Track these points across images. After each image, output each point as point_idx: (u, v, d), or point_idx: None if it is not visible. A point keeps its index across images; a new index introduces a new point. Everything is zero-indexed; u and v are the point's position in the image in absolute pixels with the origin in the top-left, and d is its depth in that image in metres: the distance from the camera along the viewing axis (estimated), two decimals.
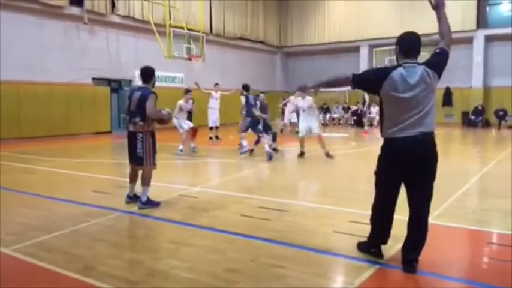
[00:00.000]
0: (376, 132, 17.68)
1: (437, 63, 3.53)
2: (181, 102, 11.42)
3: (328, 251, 3.90)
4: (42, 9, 15.88)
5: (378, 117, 23.22)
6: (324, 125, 23.69)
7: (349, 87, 3.77)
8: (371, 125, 22.58)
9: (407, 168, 3.40)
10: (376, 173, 3.67)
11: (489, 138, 17.03)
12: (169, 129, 11.19)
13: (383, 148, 3.55)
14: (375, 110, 23.50)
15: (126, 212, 5.32)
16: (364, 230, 4.34)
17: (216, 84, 15.31)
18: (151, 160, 5.47)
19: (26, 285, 3.28)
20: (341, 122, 24.34)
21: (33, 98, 15.71)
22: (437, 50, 3.63)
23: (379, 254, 3.71)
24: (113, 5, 18.33)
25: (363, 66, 25.38)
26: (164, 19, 18.29)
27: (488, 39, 22.19)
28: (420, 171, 3.42)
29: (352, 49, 25.70)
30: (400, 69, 3.38)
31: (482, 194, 6.57)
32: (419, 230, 3.48)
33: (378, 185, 3.68)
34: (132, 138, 5.43)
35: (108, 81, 19.10)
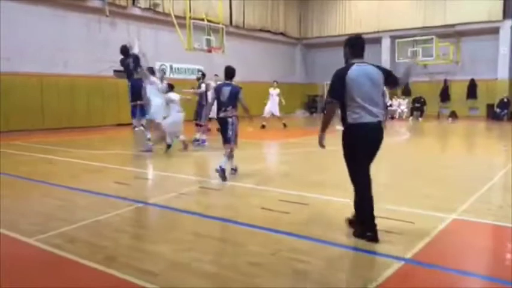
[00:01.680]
0: (397, 124, 17.41)
1: (389, 76, 4.20)
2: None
3: (350, 245, 3.83)
4: (65, 2, 16.07)
5: (400, 110, 22.94)
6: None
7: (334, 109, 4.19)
8: (392, 117, 22.24)
9: (370, 147, 4.05)
10: (348, 155, 4.16)
11: None
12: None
13: (347, 134, 4.09)
14: (396, 102, 23.16)
15: (147, 204, 5.35)
16: (386, 224, 4.27)
17: (216, 75, 15.12)
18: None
19: (50, 276, 3.33)
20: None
21: (56, 90, 15.97)
22: (393, 75, 4.29)
23: (375, 238, 3.85)
24: None
25: (385, 59, 24.96)
26: (184, 11, 18.30)
27: None
28: (376, 149, 4.09)
29: (373, 40, 25.21)
30: (354, 66, 4.00)
31: (508, 189, 6.38)
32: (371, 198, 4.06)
33: (352, 169, 4.19)
34: (222, 122, 6.83)
35: None
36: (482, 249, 3.90)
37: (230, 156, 6.93)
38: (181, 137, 9.91)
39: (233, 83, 6.91)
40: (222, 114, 6.80)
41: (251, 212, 4.98)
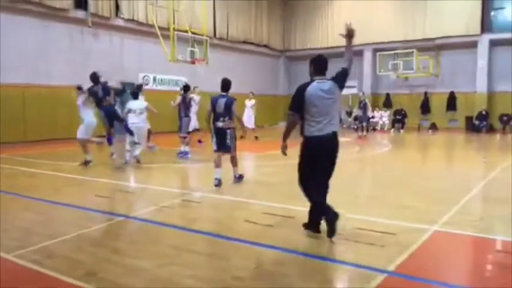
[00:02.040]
0: (379, 136, 17.63)
1: (340, 80, 4.45)
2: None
3: (334, 258, 3.84)
4: (47, 12, 15.92)
5: (382, 121, 23.21)
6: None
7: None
8: (374, 129, 22.52)
9: (324, 157, 4.37)
10: (303, 163, 4.52)
11: (494, 143, 16.93)
12: (166, 134, 11.17)
13: (305, 145, 4.44)
14: (378, 114, 23.48)
15: (128, 217, 5.27)
16: (372, 237, 4.29)
17: (196, 87, 15.12)
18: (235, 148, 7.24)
19: None
20: (344, 126, 24.23)
21: (38, 101, 15.72)
22: (340, 69, 4.51)
23: (318, 230, 4.43)
24: (117, 8, 18.37)
25: (367, 71, 25.38)
26: (168, 22, 18.31)
27: (493, 43, 22.10)
28: (332, 159, 4.43)
29: (355, 53, 25.47)
30: (314, 84, 4.34)
31: (489, 200, 6.49)
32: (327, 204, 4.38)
33: (305, 176, 4.51)
34: (221, 132, 7.09)
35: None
36: (464, 261, 3.95)
37: (234, 163, 7.33)
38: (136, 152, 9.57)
39: (228, 94, 7.17)
40: (219, 125, 7.10)
41: (234, 225, 4.95)
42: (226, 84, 7.22)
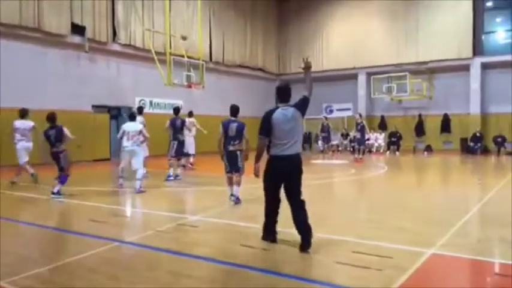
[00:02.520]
0: (375, 158, 17.69)
1: (301, 106, 4.99)
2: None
3: (331, 282, 3.80)
4: (44, 38, 16.11)
5: (377, 144, 23.32)
6: (323, 151, 23.71)
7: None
8: (370, 151, 22.61)
9: (286, 176, 4.86)
10: (266, 178, 4.97)
11: (488, 165, 17.02)
12: (162, 157, 11.18)
13: (270, 163, 4.89)
14: (373, 136, 23.60)
15: (123, 242, 5.22)
16: (368, 261, 4.27)
17: (190, 112, 15.14)
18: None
19: None
20: (340, 148, 24.32)
21: None
22: (302, 97, 5.06)
23: (275, 240, 4.99)
24: (114, 34, 18.61)
25: (361, 94, 25.66)
26: (164, 47, 18.54)
27: (485, 66, 22.49)
28: (293, 179, 4.85)
29: (350, 76, 26.00)
30: (279, 110, 4.90)
31: (485, 222, 6.50)
32: (305, 216, 4.83)
33: (267, 188, 5.02)
34: (233, 155, 7.57)
35: (108, 109, 19.19)
36: (462, 284, 3.93)
37: (238, 184, 7.63)
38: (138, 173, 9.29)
39: (238, 119, 7.68)
40: (231, 148, 7.54)
41: (231, 249, 4.91)
42: (235, 110, 7.71)
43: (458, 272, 4.26)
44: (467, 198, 8.64)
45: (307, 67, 5.22)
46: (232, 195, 7.64)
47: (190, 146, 14.15)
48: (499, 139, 21.08)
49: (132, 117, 9.96)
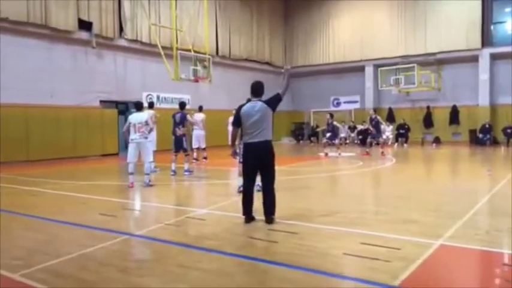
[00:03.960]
0: (383, 151, 17.60)
1: (271, 102, 5.72)
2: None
3: (339, 274, 3.82)
4: (52, 34, 16.21)
5: (386, 136, 23.17)
6: (330, 144, 23.64)
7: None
8: (378, 144, 22.46)
9: (256, 160, 5.62)
10: (243, 166, 5.86)
11: (498, 156, 16.88)
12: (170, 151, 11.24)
13: (243, 149, 5.77)
14: (389, 128, 23.36)
15: (133, 236, 5.28)
16: (377, 252, 4.28)
17: (201, 106, 15.23)
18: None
19: None
20: (347, 141, 24.24)
21: (41, 121, 15.90)
22: (275, 93, 5.77)
23: (249, 220, 5.67)
24: (121, 29, 18.66)
25: (368, 86, 25.54)
26: (171, 42, 18.57)
27: (494, 57, 22.24)
28: (264, 163, 5.65)
29: (357, 69, 25.87)
30: (248, 104, 5.76)
31: (494, 214, 6.46)
32: (271, 199, 5.66)
33: (243, 170, 5.84)
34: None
35: (116, 104, 19.30)
36: (470, 275, 3.93)
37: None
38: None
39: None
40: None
41: (239, 242, 4.94)
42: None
43: (466, 263, 4.25)
44: (476, 190, 8.59)
45: (286, 69, 6.15)
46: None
47: (201, 140, 14.20)
48: (509, 130, 20.89)
49: (138, 107, 9.42)
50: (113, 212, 6.67)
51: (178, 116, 11.05)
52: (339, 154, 16.53)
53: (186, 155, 11.17)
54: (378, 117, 17.90)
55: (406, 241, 4.74)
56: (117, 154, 18.40)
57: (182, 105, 11.48)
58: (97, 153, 17.57)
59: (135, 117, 9.17)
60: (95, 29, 17.35)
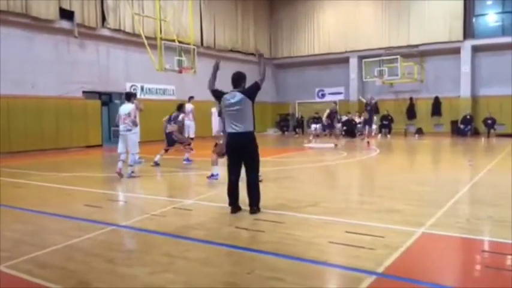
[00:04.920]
0: (367, 141, 17.80)
1: (249, 92, 5.68)
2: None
3: (325, 262, 3.89)
4: (33, 24, 15.88)
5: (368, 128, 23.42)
6: (316, 135, 23.79)
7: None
8: (361, 134, 22.74)
9: (237, 149, 5.68)
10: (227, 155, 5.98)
11: (479, 146, 17.23)
12: (155, 143, 11.19)
13: (226, 140, 5.97)
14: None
15: (119, 226, 5.27)
16: (361, 240, 4.37)
17: (191, 97, 15.19)
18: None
19: None
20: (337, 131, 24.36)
21: (23, 112, 15.62)
22: (253, 83, 5.72)
23: (235, 210, 5.71)
24: (104, 19, 18.37)
25: (353, 77, 25.72)
26: (155, 32, 18.36)
27: (475, 49, 22.59)
28: (246, 154, 5.69)
29: (341, 60, 26.00)
30: (227, 95, 5.71)
31: (474, 202, 6.63)
32: (254, 190, 5.68)
33: (228, 160, 5.88)
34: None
35: (99, 95, 19.06)
36: (450, 261, 4.04)
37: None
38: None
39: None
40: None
41: (226, 232, 4.98)
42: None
43: (447, 250, 4.37)
44: (457, 179, 8.78)
45: (260, 55, 6.06)
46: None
47: (190, 130, 14.22)
48: (489, 121, 21.30)
49: (126, 98, 9.47)
50: (99, 203, 6.64)
51: (174, 114, 11.25)
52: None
53: (185, 146, 11.28)
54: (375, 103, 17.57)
55: (390, 229, 4.84)
56: (100, 145, 18.22)
57: (179, 107, 11.50)
58: (80, 144, 17.37)
59: (122, 108, 9.29)
60: (77, 18, 17.04)
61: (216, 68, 6.11)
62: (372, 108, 17.07)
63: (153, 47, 17.72)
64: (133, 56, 19.52)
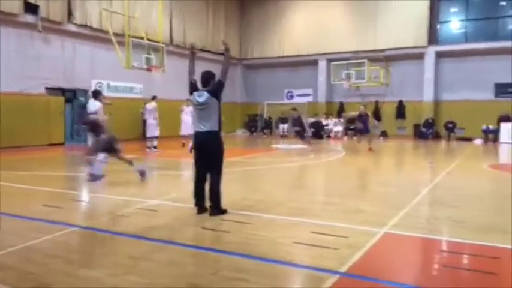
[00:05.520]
0: (333, 143, 18.10)
1: (214, 91, 5.64)
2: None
3: (289, 262, 3.92)
4: None
5: (336, 129, 23.79)
6: (283, 136, 23.98)
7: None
8: (328, 136, 23.12)
9: (202, 149, 5.66)
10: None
11: (439, 149, 17.82)
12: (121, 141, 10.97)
13: (194, 138, 5.90)
14: (332, 122, 24.14)
15: (80, 227, 5.13)
16: (325, 240, 4.42)
17: (154, 96, 15.34)
18: None
19: None
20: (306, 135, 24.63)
21: None
22: (216, 81, 5.73)
23: (201, 210, 5.65)
24: (70, 14, 17.86)
25: (321, 80, 26.04)
26: (123, 29, 17.99)
27: (439, 55, 23.33)
28: (210, 154, 5.65)
29: (310, 62, 26.28)
30: (196, 93, 5.69)
31: (434, 203, 6.84)
32: (215, 192, 5.61)
33: (195, 158, 5.80)
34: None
35: (63, 91, 18.51)
36: (411, 261, 4.15)
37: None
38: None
39: None
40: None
41: (191, 233, 4.94)
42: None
43: (408, 250, 4.49)
44: (419, 181, 9.04)
45: (227, 49, 5.90)
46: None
47: (154, 129, 14.30)
48: (450, 125, 22.05)
49: (93, 96, 9.67)
50: (59, 203, 6.44)
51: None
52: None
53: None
54: (369, 113, 16.71)
55: (354, 230, 4.93)
56: (63, 144, 17.70)
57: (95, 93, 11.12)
58: (42, 142, 16.79)
59: (89, 106, 9.50)
60: (42, 12, 16.48)
61: (192, 53, 6.12)
62: (365, 120, 16.07)
63: (121, 44, 17.35)
64: (99, 52, 19.06)
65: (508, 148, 17.81)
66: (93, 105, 9.12)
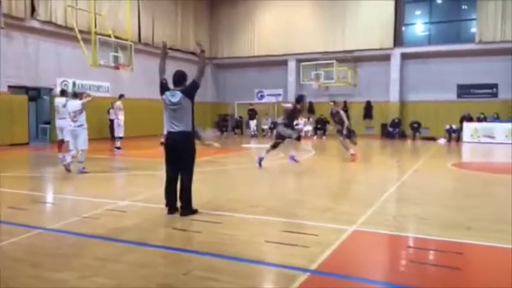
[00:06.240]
0: (303, 143, 18.29)
1: (188, 91, 5.59)
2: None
3: (261, 261, 3.94)
4: None
5: (306, 129, 24.04)
6: (253, 135, 24.05)
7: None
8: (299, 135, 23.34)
9: (173, 149, 5.58)
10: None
11: (405, 148, 18.30)
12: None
13: (165, 138, 5.78)
14: (302, 122, 24.36)
15: (46, 229, 4.99)
16: (296, 239, 4.47)
17: (121, 95, 15.20)
18: None
19: None
20: (269, 133, 24.77)
21: None
22: (190, 81, 5.69)
23: (172, 211, 5.60)
24: (33, 10, 17.30)
25: (291, 80, 26.25)
26: (89, 26, 17.59)
27: (404, 56, 23.96)
28: (182, 154, 5.56)
29: (280, 62, 26.45)
30: (168, 92, 5.59)
31: (401, 201, 7.03)
32: (186, 192, 5.58)
33: (166, 159, 5.69)
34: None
35: (26, 90, 17.92)
36: (380, 257, 4.26)
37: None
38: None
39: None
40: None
41: (162, 233, 4.89)
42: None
43: (376, 246, 4.60)
44: (386, 180, 9.26)
45: (202, 50, 5.94)
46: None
47: (119, 129, 14.15)
48: (415, 125, 22.69)
49: (74, 95, 9.93)
50: (24, 205, 6.24)
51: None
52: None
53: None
54: (340, 110, 13.68)
55: (323, 228, 5.01)
56: (27, 144, 17.14)
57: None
58: (4, 142, 16.20)
59: (70, 105, 9.56)
60: (4, 8, 15.88)
61: (164, 52, 6.08)
62: (340, 118, 13.15)
63: (87, 41, 16.95)
64: (65, 50, 18.56)
65: (470, 147, 18.49)
66: (74, 104, 9.17)
